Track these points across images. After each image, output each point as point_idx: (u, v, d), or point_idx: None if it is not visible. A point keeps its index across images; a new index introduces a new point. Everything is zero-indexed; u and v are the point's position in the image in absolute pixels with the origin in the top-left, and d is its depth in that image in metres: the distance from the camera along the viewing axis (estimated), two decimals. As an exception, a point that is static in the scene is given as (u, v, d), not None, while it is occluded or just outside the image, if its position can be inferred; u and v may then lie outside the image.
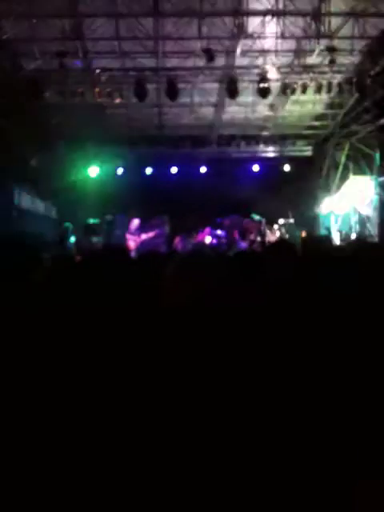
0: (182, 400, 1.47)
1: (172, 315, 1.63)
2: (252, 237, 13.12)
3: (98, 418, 1.49)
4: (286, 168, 13.64)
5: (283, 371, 1.58)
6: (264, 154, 13.49)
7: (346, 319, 1.98)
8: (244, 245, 13.04)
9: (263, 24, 8.67)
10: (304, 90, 9.58)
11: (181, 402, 1.47)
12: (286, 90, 9.73)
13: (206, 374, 1.50)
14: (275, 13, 8.45)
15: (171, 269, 1.78)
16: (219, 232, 13.49)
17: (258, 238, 12.13)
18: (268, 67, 9.48)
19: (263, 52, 9.40)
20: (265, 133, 12.44)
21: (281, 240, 9.27)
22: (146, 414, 1.46)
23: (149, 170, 13.44)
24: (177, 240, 12.78)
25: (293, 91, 9.69)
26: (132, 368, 1.56)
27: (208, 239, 12.96)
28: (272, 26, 8.72)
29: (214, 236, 13.05)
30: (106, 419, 1.49)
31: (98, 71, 9.61)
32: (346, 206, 11.37)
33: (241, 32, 8.59)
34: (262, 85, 9.40)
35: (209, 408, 1.46)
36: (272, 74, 9.54)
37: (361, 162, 10.56)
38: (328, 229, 11.96)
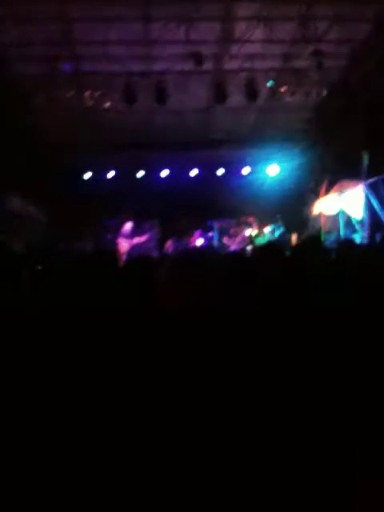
0: (181, 400, 1.48)
1: (170, 315, 1.64)
2: (240, 240, 13.19)
3: (96, 419, 1.50)
4: (276, 171, 13.72)
5: (283, 372, 1.60)
6: (254, 157, 13.54)
7: (338, 320, 2.00)
8: (234, 248, 13.10)
9: (250, 29, 8.74)
10: (292, 93, 9.67)
11: (179, 403, 1.47)
12: (275, 93, 9.81)
13: (205, 374, 1.51)
14: (262, 18, 8.52)
15: (169, 269, 1.78)
16: (210, 234, 13.57)
17: (249, 247, 12.19)
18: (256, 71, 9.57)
19: (251, 56, 9.47)
20: (254, 136, 12.48)
21: (269, 244, 9.35)
22: (143, 415, 1.47)
23: (140, 174, 13.44)
24: (168, 243, 12.81)
25: (281, 95, 9.77)
26: (128, 369, 1.57)
27: (199, 242, 13.00)
28: (259, 31, 8.79)
29: (205, 239, 13.11)
30: (104, 420, 1.49)
31: (87, 75, 9.63)
32: (335, 208, 11.43)
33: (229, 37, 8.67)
34: (250, 88, 9.49)
35: (208, 408, 1.46)
36: (260, 77, 9.63)
37: (349, 165, 10.62)
38: (318, 231, 12.03)
